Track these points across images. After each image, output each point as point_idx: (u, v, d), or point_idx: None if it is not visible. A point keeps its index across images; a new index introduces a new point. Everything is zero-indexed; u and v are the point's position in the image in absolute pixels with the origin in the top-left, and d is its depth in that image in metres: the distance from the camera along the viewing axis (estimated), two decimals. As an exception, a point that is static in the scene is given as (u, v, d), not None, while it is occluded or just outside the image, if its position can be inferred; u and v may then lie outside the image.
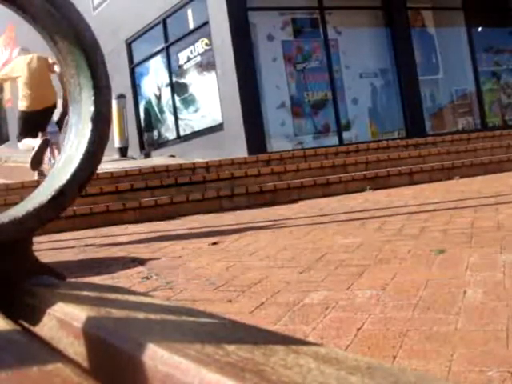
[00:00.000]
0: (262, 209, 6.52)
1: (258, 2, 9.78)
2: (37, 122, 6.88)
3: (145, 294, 0.57)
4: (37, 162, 6.84)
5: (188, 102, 11.05)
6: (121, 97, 11.60)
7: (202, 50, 10.37)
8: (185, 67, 10.98)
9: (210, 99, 10.16)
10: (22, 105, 7.08)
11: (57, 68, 6.71)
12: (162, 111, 11.94)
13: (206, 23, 9.98)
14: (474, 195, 5.59)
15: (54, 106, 7.19)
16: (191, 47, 10.66)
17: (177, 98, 11.32)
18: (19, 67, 6.89)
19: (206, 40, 10.18)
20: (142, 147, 12.49)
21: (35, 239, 0.64)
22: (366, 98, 10.80)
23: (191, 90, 10.90)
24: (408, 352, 1.65)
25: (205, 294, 2.58)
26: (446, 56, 11.53)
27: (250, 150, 9.05)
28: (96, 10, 13.38)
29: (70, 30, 0.64)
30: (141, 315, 0.46)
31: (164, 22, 11.30)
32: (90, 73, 0.65)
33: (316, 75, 10.36)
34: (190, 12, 10.64)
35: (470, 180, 7.60)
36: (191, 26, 10.63)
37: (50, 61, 6.79)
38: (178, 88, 11.28)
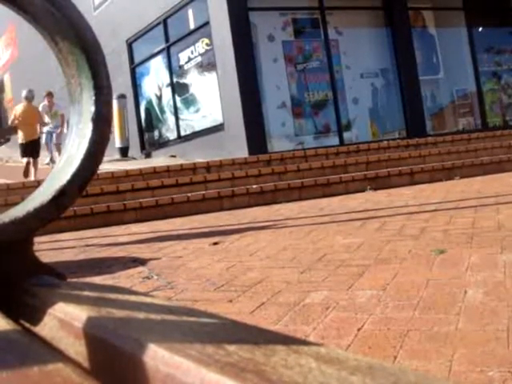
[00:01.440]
0: (263, 209, 6.52)
1: (258, 3, 9.78)
2: (28, 149, 9.91)
3: (145, 294, 0.57)
4: (25, 173, 9.81)
5: (189, 102, 11.05)
6: (121, 97, 11.61)
7: (203, 50, 10.38)
8: (185, 67, 10.99)
9: (211, 99, 10.16)
10: (20, 138, 10.06)
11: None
12: (162, 111, 11.95)
13: (207, 23, 9.98)
14: (474, 195, 5.59)
15: (38, 139, 10.21)
16: (192, 47, 10.66)
17: (177, 98, 11.33)
18: (19, 113, 10.02)
19: (206, 40, 10.18)
20: (142, 147, 12.50)
21: (36, 239, 0.64)
22: (366, 98, 10.80)
23: (192, 90, 10.90)
24: (409, 352, 1.65)
25: (205, 294, 2.58)
26: (447, 56, 11.53)
27: (251, 150, 9.05)
28: (97, 10, 13.39)
29: (70, 30, 0.64)
30: (141, 315, 0.46)
31: (165, 22, 11.30)
32: (90, 73, 0.65)
33: (317, 75, 10.36)
34: (190, 12, 10.64)
35: (470, 180, 7.60)
36: (192, 26, 10.63)
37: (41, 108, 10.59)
38: (178, 88, 11.28)
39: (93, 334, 0.43)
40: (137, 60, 12.60)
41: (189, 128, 11.06)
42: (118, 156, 11.78)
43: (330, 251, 3.34)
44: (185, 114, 11.20)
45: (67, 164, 0.65)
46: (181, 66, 11.13)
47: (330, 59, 10.38)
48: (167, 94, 11.63)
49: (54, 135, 11.67)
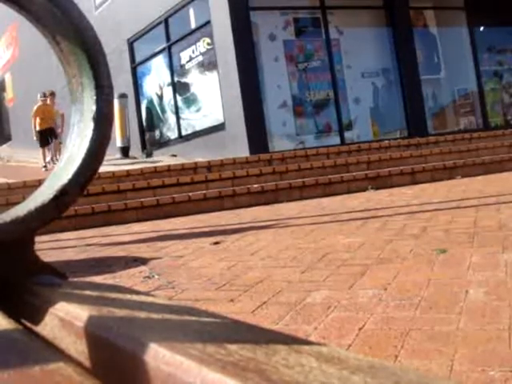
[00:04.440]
0: (264, 208, 6.52)
1: (259, 2, 9.78)
2: (46, 135, 11.80)
3: (147, 294, 0.57)
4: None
5: (190, 101, 11.05)
6: (122, 96, 11.61)
7: (204, 50, 10.38)
8: (186, 67, 10.99)
9: (212, 99, 10.16)
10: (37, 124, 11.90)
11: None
12: (163, 111, 11.95)
13: (208, 23, 9.98)
14: (475, 195, 5.58)
15: (53, 128, 11.81)
16: (193, 47, 10.66)
17: (178, 98, 11.33)
18: (39, 109, 11.76)
19: (207, 39, 10.18)
20: (143, 147, 12.50)
21: (37, 238, 0.64)
22: (367, 97, 10.80)
23: (193, 89, 10.90)
24: (410, 352, 1.65)
25: (206, 293, 2.58)
26: (448, 55, 11.52)
27: (252, 150, 9.05)
28: (98, 10, 13.39)
29: (71, 30, 0.65)
30: (143, 314, 0.46)
31: (166, 21, 11.30)
32: (91, 72, 0.65)
33: (318, 75, 10.36)
34: (191, 11, 10.64)
35: (471, 179, 7.60)
36: (193, 25, 10.64)
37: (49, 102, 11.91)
38: (179, 87, 11.28)
39: (94, 333, 0.43)
40: (138, 59, 12.61)
41: (190, 127, 11.06)
42: (118, 155, 11.79)
43: (331, 251, 3.34)
44: (186, 114, 11.20)
45: (68, 163, 0.65)
46: (182, 66, 11.13)
47: (331, 58, 10.38)
48: (168, 93, 11.64)
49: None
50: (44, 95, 11.75)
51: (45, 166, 11.43)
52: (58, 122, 11.88)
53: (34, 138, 11.88)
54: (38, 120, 11.71)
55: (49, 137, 11.70)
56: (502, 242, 3.07)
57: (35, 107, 11.79)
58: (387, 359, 1.59)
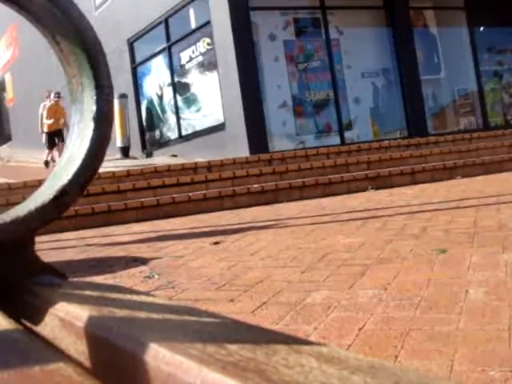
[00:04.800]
0: (264, 208, 6.52)
1: (259, 2, 9.78)
2: (54, 137, 11.83)
3: (147, 294, 0.57)
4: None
5: (190, 101, 11.05)
6: (123, 96, 11.61)
7: (204, 50, 10.38)
8: (187, 67, 10.99)
9: (212, 99, 10.16)
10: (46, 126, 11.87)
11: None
12: (163, 111, 11.95)
13: (208, 23, 9.98)
14: (475, 195, 5.58)
15: (61, 130, 11.68)
16: (193, 47, 10.66)
17: (179, 98, 11.33)
18: (51, 108, 11.69)
19: (207, 40, 10.18)
20: (143, 147, 12.50)
21: (37, 238, 0.64)
22: (367, 97, 10.80)
23: (193, 89, 10.90)
24: (410, 352, 1.65)
25: (206, 293, 2.58)
26: (448, 56, 11.52)
27: (252, 150, 9.05)
28: (98, 10, 13.39)
29: (71, 30, 0.65)
30: (143, 315, 0.46)
31: (166, 21, 11.30)
32: (92, 73, 0.65)
33: (318, 75, 10.36)
34: (191, 12, 10.64)
35: (471, 179, 7.60)
36: (193, 25, 10.63)
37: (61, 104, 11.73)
38: (179, 88, 11.28)
39: (94, 333, 0.43)
40: (138, 59, 12.61)
41: (190, 127, 11.06)
42: (119, 155, 11.79)
43: (331, 251, 3.34)
44: (186, 114, 11.20)
45: (68, 163, 0.65)
46: (182, 66, 11.14)
47: (331, 59, 10.38)
48: (168, 93, 11.64)
49: None
50: (58, 95, 11.65)
51: (46, 163, 11.45)
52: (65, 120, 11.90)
53: (43, 129, 11.70)
54: (48, 121, 11.60)
55: (56, 138, 11.65)
56: (502, 242, 3.07)
57: (48, 105, 11.66)
58: (387, 359, 1.59)
